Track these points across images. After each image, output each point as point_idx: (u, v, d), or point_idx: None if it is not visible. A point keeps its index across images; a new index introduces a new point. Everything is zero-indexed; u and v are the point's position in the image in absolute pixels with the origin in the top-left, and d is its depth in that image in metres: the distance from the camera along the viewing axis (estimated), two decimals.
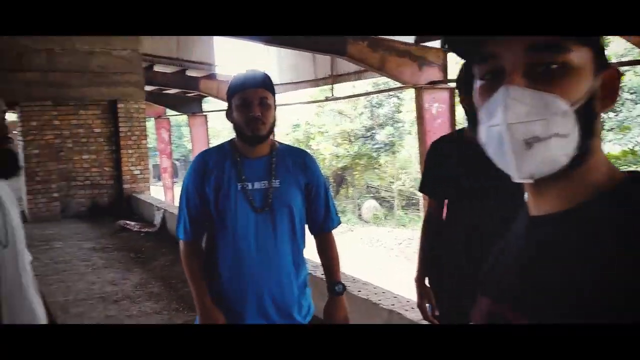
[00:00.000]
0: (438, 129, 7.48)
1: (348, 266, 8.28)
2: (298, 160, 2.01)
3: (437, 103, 7.67)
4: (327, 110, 28.80)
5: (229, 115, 1.95)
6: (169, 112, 18.35)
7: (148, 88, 11.44)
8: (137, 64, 9.67)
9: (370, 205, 27.75)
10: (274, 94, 1.93)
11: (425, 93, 7.60)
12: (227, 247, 1.91)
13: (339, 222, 2.14)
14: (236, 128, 1.93)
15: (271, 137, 1.98)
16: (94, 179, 9.55)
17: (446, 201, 2.21)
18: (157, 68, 12.48)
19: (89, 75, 9.23)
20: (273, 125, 1.92)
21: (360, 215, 28.09)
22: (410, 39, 7.96)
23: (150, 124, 19.23)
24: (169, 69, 12.92)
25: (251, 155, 1.95)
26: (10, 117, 25.89)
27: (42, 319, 1.67)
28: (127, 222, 8.19)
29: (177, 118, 20.15)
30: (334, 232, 2.13)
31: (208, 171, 1.93)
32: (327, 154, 28.29)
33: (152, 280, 5.44)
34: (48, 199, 9.12)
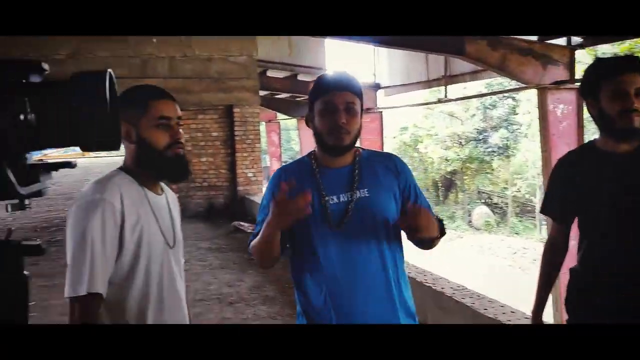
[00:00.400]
0: (563, 132, 6.96)
1: (456, 274, 7.91)
2: (389, 165, 1.78)
3: (562, 104, 7.11)
4: (436, 112, 28.11)
5: (310, 121, 1.75)
6: (279, 115, 18.78)
7: (261, 93, 11.70)
8: (253, 69, 9.91)
9: (481, 212, 26.70)
10: (361, 99, 1.72)
11: (549, 94, 7.07)
12: (311, 273, 1.69)
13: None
14: (317, 136, 1.73)
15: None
16: (210, 180, 9.91)
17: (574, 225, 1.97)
18: (271, 73, 12.75)
19: (207, 81, 9.59)
20: (358, 134, 1.71)
21: (470, 221, 27.11)
22: (533, 37, 7.45)
23: (262, 128, 19.81)
24: (281, 74, 13.17)
25: (332, 166, 1.74)
26: None
27: (188, 320, 1.72)
28: (241, 223, 8.39)
29: (287, 121, 20.57)
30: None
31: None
32: (435, 158, 27.62)
33: (266, 284, 5.46)
34: None
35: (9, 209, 0.82)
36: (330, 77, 1.72)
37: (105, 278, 1.44)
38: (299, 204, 1.50)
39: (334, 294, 1.65)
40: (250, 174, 9.95)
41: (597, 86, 1.80)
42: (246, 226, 8.22)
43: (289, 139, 32.96)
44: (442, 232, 1.71)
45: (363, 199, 1.69)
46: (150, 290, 1.54)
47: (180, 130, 1.60)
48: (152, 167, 1.57)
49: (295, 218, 1.53)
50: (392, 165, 1.78)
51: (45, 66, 0.82)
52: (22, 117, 0.75)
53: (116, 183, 1.51)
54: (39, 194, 0.82)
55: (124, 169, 1.59)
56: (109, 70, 0.83)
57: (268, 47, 12.09)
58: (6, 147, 0.75)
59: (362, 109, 1.72)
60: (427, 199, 1.84)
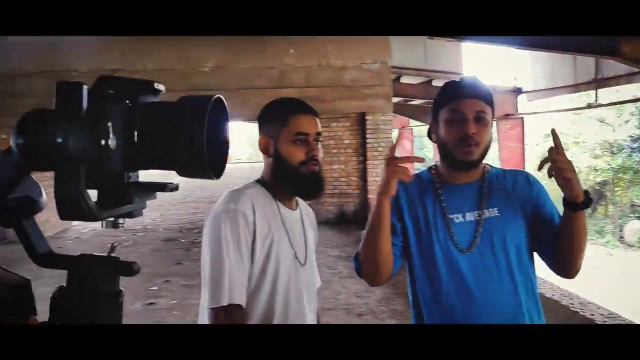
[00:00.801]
0: None
1: (605, 296, 7.13)
2: (520, 181, 1.61)
3: None
4: (584, 118, 26.02)
5: (433, 131, 1.62)
6: (412, 122, 18.50)
7: (395, 99, 11.58)
8: (387, 76, 9.82)
9: (635, 227, 24.21)
10: (493, 107, 1.57)
11: None
12: (433, 296, 1.55)
13: None
14: (441, 148, 1.58)
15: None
16: (341, 188, 9.98)
17: None
18: (404, 80, 12.58)
19: (341, 89, 9.68)
20: (488, 147, 1.56)
21: (621, 237, 24.69)
22: None
23: (394, 135, 19.67)
24: (415, 80, 12.94)
25: (457, 181, 1.60)
26: None
27: None
28: None
29: (420, 128, 20.20)
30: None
31: (402, 204, 1.60)
32: (583, 167, 25.58)
33: (395, 297, 5.32)
34: None
35: (104, 226, 0.81)
36: (458, 82, 1.59)
37: (244, 288, 1.44)
38: (404, 164, 1.43)
39: (458, 321, 1.51)
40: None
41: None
42: None
43: (422, 145, 32.46)
44: (588, 203, 1.46)
45: (493, 219, 1.55)
46: (275, 307, 1.50)
47: (319, 146, 1.56)
48: (286, 182, 1.56)
49: (400, 177, 1.41)
50: (523, 182, 1.62)
51: (160, 87, 0.79)
52: (125, 135, 0.75)
53: (249, 194, 1.51)
54: (129, 215, 0.80)
55: (260, 181, 1.61)
56: (218, 96, 0.78)
57: (402, 53, 11.94)
58: (104, 167, 0.74)
59: (492, 119, 1.58)
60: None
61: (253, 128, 56.07)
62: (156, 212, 12.49)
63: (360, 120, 9.85)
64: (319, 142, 1.56)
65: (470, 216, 1.55)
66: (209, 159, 0.74)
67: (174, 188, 0.83)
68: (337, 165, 9.94)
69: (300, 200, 1.68)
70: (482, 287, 1.50)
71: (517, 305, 1.52)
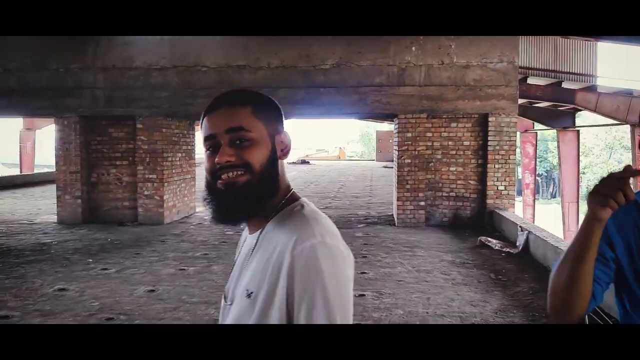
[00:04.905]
0: None
1: None
2: None
3: None
4: None
5: None
6: (537, 125, 17.50)
7: (520, 101, 10.99)
8: (513, 76, 9.34)
9: None
10: None
11: None
12: None
13: None
14: None
15: None
16: (458, 191, 9.64)
17: None
18: (531, 80, 11.93)
19: (463, 89, 9.35)
20: None
21: None
22: None
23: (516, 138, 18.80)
24: (543, 81, 12.22)
25: None
26: (389, 128, 28.85)
27: None
28: (489, 239, 7.94)
29: (544, 132, 19.09)
30: None
31: (614, 233, 1.35)
32: None
33: (513, 309, 5.02)
34: (415, 207, 9.61)
35: None
36: None
37: None
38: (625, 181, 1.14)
39: None
40: (501, 187, 9.40)
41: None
42: (494, 242, 7.76)
43: (546, 149, 30.63)
44: None
45: None
46: None
47: (227, 150, 1.11)
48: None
49: (617, 201, 1.13)
50: None
51: None
52: None
53: None
54: None
55: None
56: None
57: (530, 52, 11.31)
58: None
59: None
60: None
61: (365, 125, 55.67)
62: None
63: (482, 122, 9.45)
64: (242, 142, 1.12)
65: None
66: None
67: None
68: (454, 168, 9.62)
69: (283, 223, 1.14)
70: None
71: None
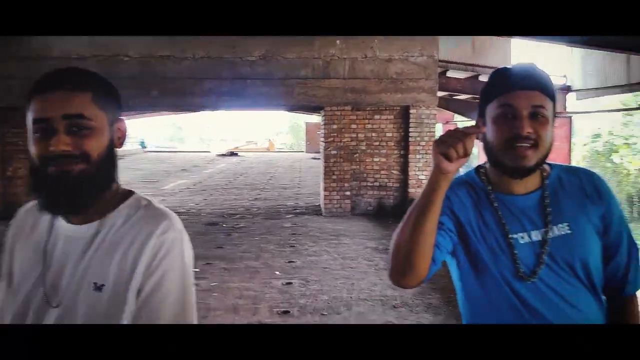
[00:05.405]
0: None
1: None
2: (588, 187, 1.33)
3: None
4: (636, 119, 25.08)
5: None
6: (457, 117, 18.27)
7: (440, 94, 11.47)
8: (433, 70, 9.75)
9: None
10: (554, 102, 1.29)
11: None
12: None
13: None
14: (488, 151, 1.31)
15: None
16: (382, 180, 9.98)
17: None
18: (451, 74, 12.45)
19: (386, 82, 9.66)
20: (548, 151, 1.27)
21: None
22: None
23: (437, 129, 19.55)
24: (462, 75, 12.79)
25: (512, 192, 1.32)
26: (318, 119, 28.92)
27: None
28: None
29: (466, 123, 19.97)
30: None
31: (454, 207, 1.35)
32: (632, 169, 24.69)
33: (431, 291, 5.33)
34: (341, 197, 9.86)
35: None
36: (510, 70, 1.30)
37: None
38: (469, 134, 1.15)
39: None
40: (422, 176, 9.81)
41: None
42: None
43: None
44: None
45: (564, 237, 1.28)
46: None
47: (64, 138, 1.04)
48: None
49: (457, 152, 1.13)
50: (591, 187, 1.33)
51: None
52: None
53: (26, 208, 1.23)
54: None
55: None
56: None
57: (449, 47, 11.79)
58: None
59: (554, 117, 1.29)
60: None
61: (294, 117, 55.58)
62: (200, 196, 12.80)
63: (404, 114, 9.81)
64: (80, 130, 1.06)
65: (536, 235, 1.29)
66: None
67: None
68: (378, 158, 9.95)
69: (136, 216, 1.13)
70: (551, 321, 1.25)
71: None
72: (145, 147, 35.88)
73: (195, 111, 15.03)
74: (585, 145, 27.02)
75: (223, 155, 31.15)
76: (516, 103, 1.24)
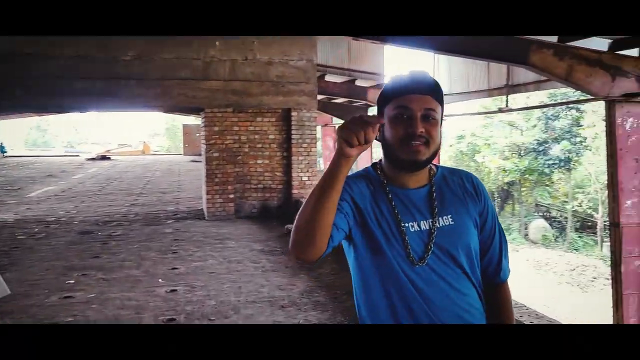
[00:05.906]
0: (631, 147, 6.72)
1: (514, 293, 7.65)
2: (467, 185, 1.53)
3: (631, 118, 6.85)
4: (496, 122, 27.45)
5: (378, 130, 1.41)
6: (335, 120, 18.82)
7: (319, 97, 11.76)
8: (312, 74, 9.95)
9: (538, 225, 25.88)
10: (442, 105, 1.45)
11: (618, 106, 6.81)
12: (387, 306, 1.43)
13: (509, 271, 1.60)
14: (386, 148, 1.45)
15: None
16: (265, 182, 10.01)
17: None
18: (329, 78, 12.80)
19: (267, 85, 9.71)
20: (438, 148, 1.43)
21: (526, 235, 26.33)
22: (603, 46, 7.19)
23: (317, 132, 20.01)
24: (339, 79, 13.20)
25: (405, 185, 1.48)
26: (196, 121, 28.31)
27: None
28: None
29: None
30: None
31: (354, 194, 1.47)
32: (493, 168, 26.97)
33: (317, 289, 5.45)
34: (225, 200, 9.75)
35: None
36: (406, 77, 1.44)
37: None
38: (372, 123, 1.26)
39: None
40: (305, 178, 9.99)
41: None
42: None
43: None
44: None
45: (448, 228, 1.45)
46: None
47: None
48: None
49: (358, 140, 1.25)
50: (471, 186, 1.53)
51: None
52: None
53: None
54: None
55: None
56: None
57: (327, 52, 12.13)
58: None
59: (442, 119, 1.47)
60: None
61: (171, 119, 53.82)
62: (70, 203, 11.97)
63: (286, 116, 9.92)
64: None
65: (424, 225, 1.44)
66: None
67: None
68: (261, 160, 9.96)
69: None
70: (437, 299, 1.40)
71: (471, 314, 1.44)
72: (5, 152, 32.96)
73: (63, 112, 14.04)
74: (451, 146, 29.07)
75: (93, 159, 29.37)
76: (411, 105, 1.39)
